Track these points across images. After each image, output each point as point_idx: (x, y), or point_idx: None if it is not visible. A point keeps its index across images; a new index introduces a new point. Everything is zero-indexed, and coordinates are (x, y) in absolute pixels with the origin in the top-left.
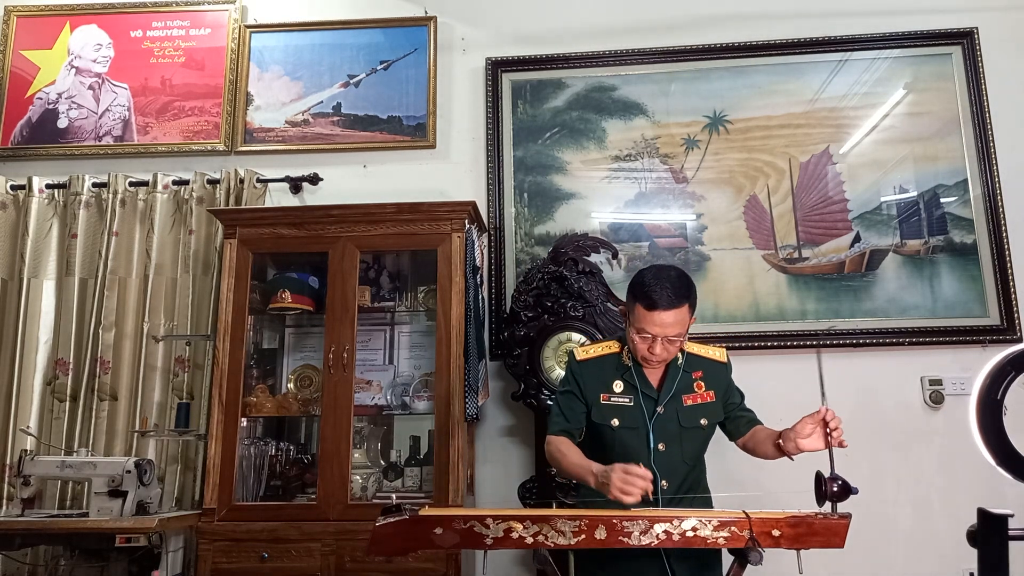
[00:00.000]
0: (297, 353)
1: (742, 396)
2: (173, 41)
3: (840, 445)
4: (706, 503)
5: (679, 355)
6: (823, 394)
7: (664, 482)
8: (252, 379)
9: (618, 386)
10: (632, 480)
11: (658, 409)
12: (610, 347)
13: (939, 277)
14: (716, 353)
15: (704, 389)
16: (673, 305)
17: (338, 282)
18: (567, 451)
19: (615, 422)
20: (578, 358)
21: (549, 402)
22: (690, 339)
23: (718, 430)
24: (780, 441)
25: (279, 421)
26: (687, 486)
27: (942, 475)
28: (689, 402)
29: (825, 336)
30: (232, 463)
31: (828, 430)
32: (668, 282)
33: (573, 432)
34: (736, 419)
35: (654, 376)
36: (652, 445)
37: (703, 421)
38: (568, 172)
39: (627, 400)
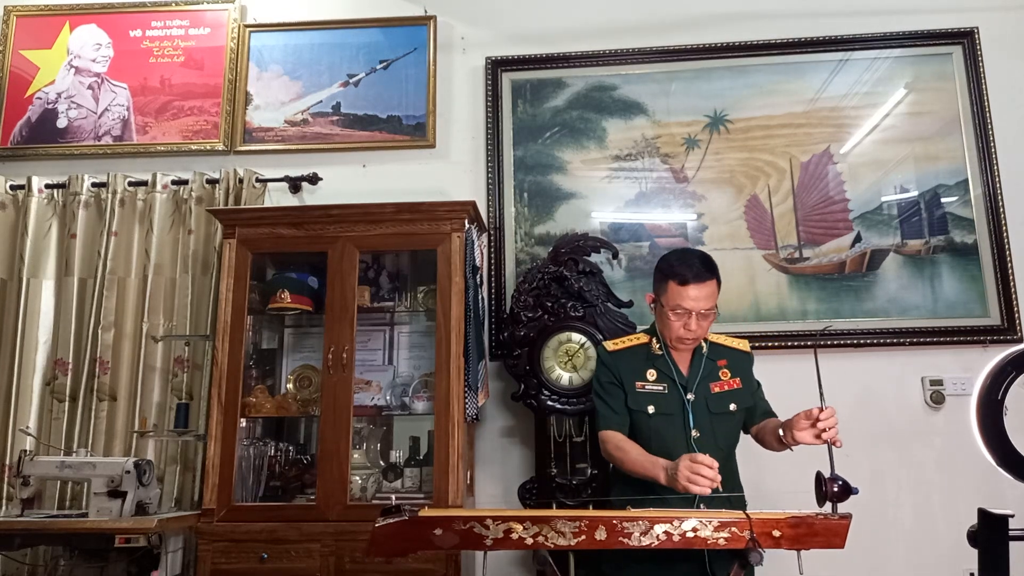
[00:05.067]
0: (296, 353)
1: (759, 385)
2: (172, 41)
3: (833, 443)
4: (740, 501)
5: (703, 344)
6: (821, 395)
7: None
8: (251, 379)
9: (651, 374)
10: (700, 469)
11: (688, 396)
12: (639, 338)
13: (940, 277)
14: (739, 344)
15: (730, 376)
16: (703, 278)
17: (337, 282)
18: (628, 448)
19: (651, 409)
20: (609, 349)
21: (549, 403)
22: (712, 332)
23: None
24: (781, 432)
25: (278, 422)
26: (724, 475)
27: (942, 475)
28: (716, 389)
29: (822, 336)
30: (231, 464)
31: (818, 429)
32: (696, 258)
33: (623, 423)
34: (753, 408)
35: (683, 364)
36: (688, 431)
37: (732, 406)
38: (568, 172)
39: (661, 388)
